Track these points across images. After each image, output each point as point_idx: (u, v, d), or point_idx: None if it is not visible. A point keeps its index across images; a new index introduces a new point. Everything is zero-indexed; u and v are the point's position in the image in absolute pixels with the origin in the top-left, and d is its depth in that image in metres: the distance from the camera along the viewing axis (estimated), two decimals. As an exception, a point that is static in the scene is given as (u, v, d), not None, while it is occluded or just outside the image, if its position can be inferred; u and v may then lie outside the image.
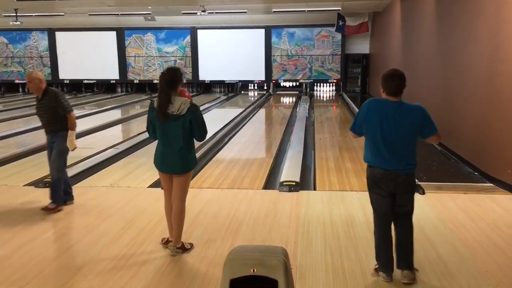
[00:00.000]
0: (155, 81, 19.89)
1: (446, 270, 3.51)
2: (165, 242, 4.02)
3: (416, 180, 5.75)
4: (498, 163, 5.76)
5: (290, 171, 6.35)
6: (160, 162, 3.86)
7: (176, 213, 3.87)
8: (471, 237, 4.13)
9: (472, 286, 3.27)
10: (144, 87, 20.18)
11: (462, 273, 3.47)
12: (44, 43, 20.43)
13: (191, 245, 3.99)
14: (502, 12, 5.74)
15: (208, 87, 20.36)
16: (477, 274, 3.44)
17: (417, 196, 5.26)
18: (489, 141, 6.05)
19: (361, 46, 18.80)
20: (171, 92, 3.69)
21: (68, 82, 20.57)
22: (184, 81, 19.41)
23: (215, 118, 13.27)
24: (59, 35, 20.23)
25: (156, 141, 3.91)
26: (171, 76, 3.71)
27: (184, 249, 3.89)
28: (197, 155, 7.45)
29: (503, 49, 5.68)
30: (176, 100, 3.70)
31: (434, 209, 4.89)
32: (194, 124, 3.73)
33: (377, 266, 3.45)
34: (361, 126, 3.35)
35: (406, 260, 3.33)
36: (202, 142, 8.57)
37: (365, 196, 5.07)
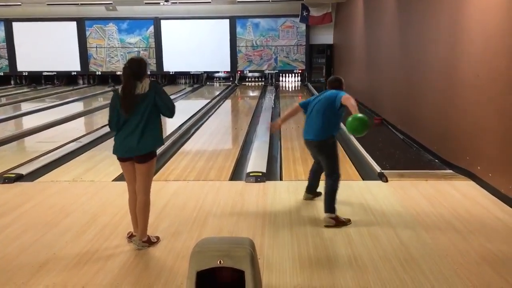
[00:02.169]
0: (118, 73, 19.48)
1: (409, 255, 3.61)
2: (130, 236, 3.96)
3: (378, 168, 5.90)
4: (457, 150, 5.95)
5: (256, 161, 6.37)
6: (123, 147, 3.69)
7: (140, 205, 3.78)
8: (432, 223, 4.26)
9: (434, 270, 3.38)
10: (106, 78, 19.77)
11: (424, 257, 3.57)
12: (0, 34, 19.68)
13: (157, 238, 3.94)
14: (460, 5, 5.89)
15: (173, 79, 20.13)
16: (438, 259, 3.55)
17: (380, 184, 5.45)
18: (448, 130, 6.23)
19: (325, 36, 18.95)
20: (135, 85, 3.61)
21: (26, 74, 19.91)
22: (148, 72, 19.26)
23: (181, 110, 13.10)
24: (16, 26, 19.49)
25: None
26: (133, 70, 3.63)
27: (150, 242, 3.83)
28: (163, 147, 7.41)
29: (459, 43, 5.83)
30: (137, 84, 3.61)
31: (397, 196, 5.01)
32: (159, 99, 3.62)
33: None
34: (305, 103, 4.61)
35: (325, 205, 4.27)
36: (167, 135, 8.56)
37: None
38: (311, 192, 4.90)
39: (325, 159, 4.39)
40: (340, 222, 4.18)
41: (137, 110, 3.62)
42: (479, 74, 5.30)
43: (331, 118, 4.33)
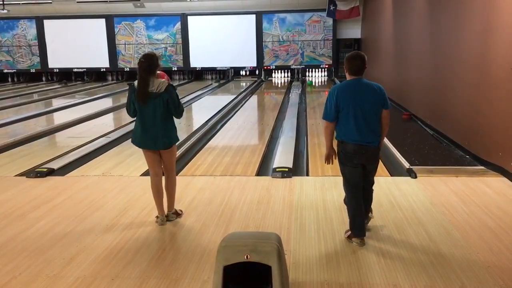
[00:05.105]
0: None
1: (438, 253, 3.55)
2: (157, 217, 4.27)
3: (407, 164, 5.82)
4: (489, 146, 5.80)
5: (282, 157, 6.35)
6: (144, 139, 4.11)
7: (173, 182, 4.29)
8: (463, 220, 4.16)
9: (464, 268, 3.31)
10: (135, 75, 19.69)
11: (454, 255, 3.50)
12: (32, 31, 20.16)
13: (181, 211, 4.43)
14: (493, -6, 5.73)
15: (199, 74, 20.26)
16: (469, 256, 3.48)
17: (409, 180, 5.36)
18: (480, 124, 6.08)
19: (353, 30, 18.74)
20: (149, 77, 3.99)
21: (57, 71, 20.36)
22: (175, 68, 19.47)
23: (207, 105, 13.23)
24: (47, 23, 19.96)
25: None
26: (148, 63, 4.00)
27: (177, 214, 4.35)
28: (189, 143, 7.52)
29: (493, 34, 5.68)
30: (155, 81, 4.01)
31: (426, 192, 4.92)
32: (170, 101, 4.02)
33: (349, 233, 3.77)
34: (335, 112, 3.66)
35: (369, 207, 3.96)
36: (194, 130, 8.63)
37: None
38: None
39: (375, 166, 3.84)
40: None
41: (153, 107, 4.01)
42: (512, 68, 5.14)
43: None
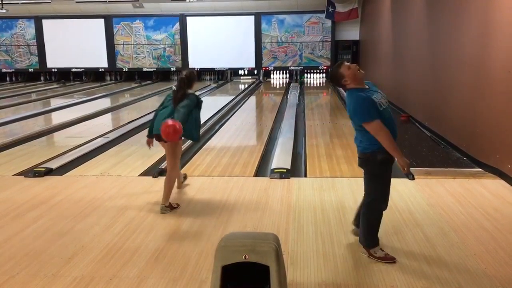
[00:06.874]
0: (145, 69, 19.83)
1: (435, 254, 3.56)
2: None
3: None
4: (486, 148, 5.82)
5: (281, 158, 6.36)
6: (153, 126, 4.66)
7: (166, 177, 4.58)
8: (460, 221, 4.18)
9: (461, 269, 3.32)
10: (133, 75, 20.03)
11: (451, 256, 3.52)
12: (31, 31, 20.13)
13: (178, 205, 4.62)
14: (491, 0, 5.76)
15: (198, 75, 20.24)
16: (466, 257, 3.49)
17: (406, 181, 5.37)
18: (477, 127, 6.10)
19: (351, 32, 18.76)
20: (187, 89, 4.59)
21: (56, 70, 20.34)
22: (173, 68, 19.49)
23: (205, 106, 13.17)
24: (46, 23, 19.93)
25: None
26: (188, 79, 4.64)
27: (172, 207, 4.52)
28: (188, 143, 7.48)
29: (491, 37, 5.70)
30: (187, 91, 4.61)
31: (424, 194, 4.94)
32: (181, 106, 4.46)
33: (373, 250, 3.48)
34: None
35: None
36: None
37: (356, 182, 5.14)
38: None
39: (366, 174, 3.66)
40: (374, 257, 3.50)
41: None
42: (510, 70, 5.17)
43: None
